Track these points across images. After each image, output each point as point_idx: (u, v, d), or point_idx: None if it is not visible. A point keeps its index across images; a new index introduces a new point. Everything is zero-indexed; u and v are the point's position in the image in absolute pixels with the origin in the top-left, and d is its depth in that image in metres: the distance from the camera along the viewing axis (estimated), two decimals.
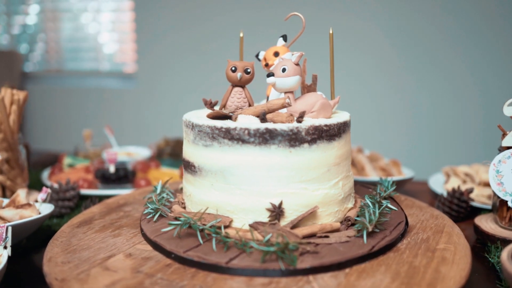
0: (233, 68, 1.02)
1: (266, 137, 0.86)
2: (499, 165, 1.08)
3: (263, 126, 0.86)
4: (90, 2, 3.51)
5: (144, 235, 0.92)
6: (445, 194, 1.35)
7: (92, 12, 3.53)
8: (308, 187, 0.89)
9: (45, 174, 1.60)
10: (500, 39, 2.61)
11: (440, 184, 1.53)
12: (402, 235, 0.92)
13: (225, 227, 0.89)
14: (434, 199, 1.46)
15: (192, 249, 0.83)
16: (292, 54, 1.05)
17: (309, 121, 0.90)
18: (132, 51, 3.49)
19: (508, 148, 1.08)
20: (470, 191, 1.29)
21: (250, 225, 0.87)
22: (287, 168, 0.87)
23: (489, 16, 2.60)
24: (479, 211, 1.31)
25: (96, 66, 3.62)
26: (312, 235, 0.87)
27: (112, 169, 1.43)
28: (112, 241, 0.92)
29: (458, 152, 2.76)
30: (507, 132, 1.10)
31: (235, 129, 0.87)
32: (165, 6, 3.28)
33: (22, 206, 1.07)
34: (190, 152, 0.96)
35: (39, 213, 1.09)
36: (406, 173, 1.50)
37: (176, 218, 0.97)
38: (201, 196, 0.93)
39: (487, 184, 1.45)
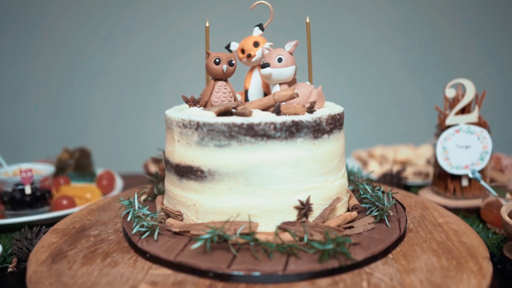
0: (217, 60, 0.93)
1: (292, 130, 0.80)
2: (445, 142, 1.21)
3: (289, 119, 0.80)
4: None
5: (154, 257, 0.78)
6: (374, 177, 1.46)
7: None
8: (328, 179, 0.86)
9: None
10: (422, 19, 2.56)
11: (357, 168, 1.63)
12: None
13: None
14: None
15: (234, 263, 0.73)
16: (271, 45, 1.00)
17: (321, 111, 0.87)
18: None
19: (450, 126, 1.22)
20: (403, 170, 1.41)
21: (280, 227, 0.81)
22: (311, 161, 0.83)
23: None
24: (408, 187, 1.44)
25: None
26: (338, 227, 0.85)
27: (28, 190, 1.17)
28: (115, 271, 0.76)
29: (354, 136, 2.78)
30: (447, 113, 1.23)
31: (259, 124, 0.79)
32: None
33: None
34: (193, 155, 0.83)
35: None
36: None
37: (176, 233, 0.84)
38: (214, 204, 0.83)
39: (402, 162, 1.60)
